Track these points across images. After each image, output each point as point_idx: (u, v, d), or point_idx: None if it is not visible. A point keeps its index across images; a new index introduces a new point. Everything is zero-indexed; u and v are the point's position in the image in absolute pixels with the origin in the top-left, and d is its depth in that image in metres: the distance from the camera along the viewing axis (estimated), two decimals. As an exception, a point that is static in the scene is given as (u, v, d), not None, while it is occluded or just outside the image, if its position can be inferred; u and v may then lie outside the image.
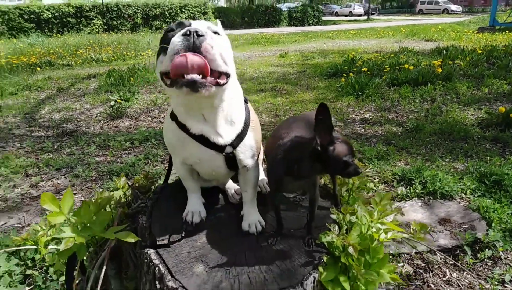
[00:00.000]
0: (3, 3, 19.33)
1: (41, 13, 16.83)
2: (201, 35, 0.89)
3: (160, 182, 1.46)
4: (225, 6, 32.80)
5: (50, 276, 1.51)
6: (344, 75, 5.86)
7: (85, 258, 1.19)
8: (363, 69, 5.91)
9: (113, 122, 4.39)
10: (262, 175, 1.33)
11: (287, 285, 0.91)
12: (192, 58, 0.86)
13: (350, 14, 43.62)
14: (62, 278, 1.51)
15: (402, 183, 2.53)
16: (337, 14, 44.63)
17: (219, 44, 0.93)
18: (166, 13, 18.78)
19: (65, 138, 3.83)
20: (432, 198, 2.35)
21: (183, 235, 1.07)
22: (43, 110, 5.08)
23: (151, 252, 1.01)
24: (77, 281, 1.14)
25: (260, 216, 1.16)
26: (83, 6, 17.59)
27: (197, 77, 0.87)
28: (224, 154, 1.06)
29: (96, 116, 4.69)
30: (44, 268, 1.56)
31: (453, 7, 41.32)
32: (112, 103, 4.82)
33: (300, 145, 1.01)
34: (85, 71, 8.10)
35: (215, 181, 1.29)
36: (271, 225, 1.16)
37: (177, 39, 0.90)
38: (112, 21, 18.15)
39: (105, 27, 17.94)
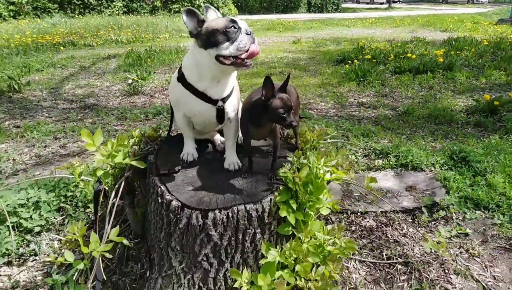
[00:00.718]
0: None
1: (65, -6, 17.32)
2: (252, 34, 1.37)
3: (164, 135, 1.85)
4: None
5: (78, 208, 1.92)
6: (350, 62, 6.12)
7: (107, 188, 1.58)
8: (366, 57, 6.16)
9: (130, 98, 4.81)
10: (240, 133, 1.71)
11: (250, 201, 1.29)
12: (258, 51, 1.37)
13: (372, 1, 42.93)
14: (87, 210, 1.92)
15: (380, 156, 2.86)
16: (358, 2, 43.97)
17: None
18: (185, -4, 19.05)
19: (87, 110, 4.26)
20: (404, 169, 2.68)
21: (180, 168, 1.46)
22: (67, 86, 5.53)
23: (155, 178, 1.40)
24: (103, 205, 1.54)
25: (238, 159, 1.54)
26: (104, -12, 18.00)
27: (250, 62, 1.37)
28: (217, 107, 1.45)
29: (115, 93, 5.11)
30: (74, 203, 1.98)
31: (479, -4, 40.21)
32: (130, 81, 5.24)
33: (256, 100, 1.41)
34: (105, 51, 8.53)
35: (206, 134, 1.68)
36: (246, 167, 1.54)
37: (245, 37, 1.34)
38: (132, 3, 18.54)
39: (125, 9, 18.36)
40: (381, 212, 2.33)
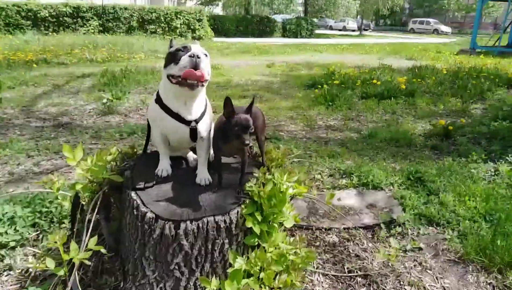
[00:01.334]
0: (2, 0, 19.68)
1: (39, 11, 17.20)
2: (199, 57, 1.51)
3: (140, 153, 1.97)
4: (221, 14, 33.54)
5: (53, 223, 1.98)
6: (319, 86, 6.43)
7: (84, 203, 1.67)
8: (335, 82, 6.49)
9: (104, 118, 4.86)
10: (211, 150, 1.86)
11: (219, 213, 1.42)
12: (196, 72, 1.49)
13: (344, 28, 44.78)
14: (62, 225, 1.99)
15: (344, 176, 3.06)
16: (331, 28, 45.74)
17: (207, 63, 1.57)
18: (162, 18, 19.30)
19: (60, 129, 4.28)
20: (365, 188, 2.88)
21: (154, 183, 1.58)
22: (40, 104, 5.52)
23: (131, 192, 1.52)
24: (79, 219, 1.63)
25: (209, 174, 1.68)
26: (80, 7, 18.01)
27: (194, 82, 1.50)
28: (190, 127, 1.59)
29: (89, 112, 5.15)
30: (49, 218, 2.03)
31: (443, 28, 42.79)
32: (105, 100, 5.30)
33: (223, 120, 1.58)
34: (80, 70, 8.53)
35: (180, 151, 1.82)
36: (216, 182, 1.68)
37: (186, 58, 1.50)
38: (108, 22, 18.60)
39: (101, 28, 18.38)
40: (344, 228, 2.49)
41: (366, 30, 44.68)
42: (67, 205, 1.66)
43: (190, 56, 1.49)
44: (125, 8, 18.92)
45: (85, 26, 18.07)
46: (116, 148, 1.76)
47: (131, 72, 7.61)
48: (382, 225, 2.48)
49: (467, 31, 45.93)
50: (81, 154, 1.40)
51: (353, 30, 43.65)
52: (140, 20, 19.07)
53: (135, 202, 1.45)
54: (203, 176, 1.67)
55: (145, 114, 5.07)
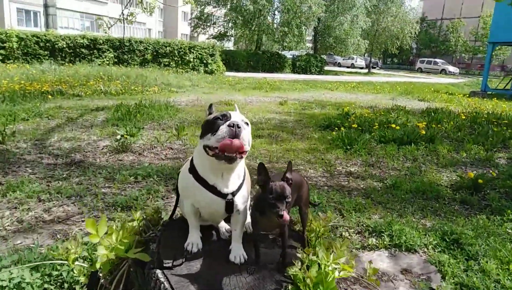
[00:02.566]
0: (21, 29, 20.31)
1: (56, 42, 17.65)
2: (239, 127, 1.36)
3: (165, 216, 1.80)
4: (232, 49, 34.30)
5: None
6: (336, 128, 6.31)
7: (101, 275, 1.49)
8: (353, 125, 6.36)
9: (118, 156, 4.74)
10: (249, 219, 1.68)
11: (258, 303, 1.23)
12: (234, 143, 1.32)
13: (352, 66, 45.51)
14: (74, 292, 1.80)
15: (373, 234, 2.85)
16: (339, 65, 46.50)
17: (248, 133, 1.41)
18: (176, 52, 19.69)
19: (73, 167, 4.15)
20: (397, 250, 2.67)
21: (184, 260, 1.40)
22: (53, 138, 5.43)
23: (158, 272, 1.34)
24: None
25: (244, 251, 1.49)
26: (97, 39, 18.48)
27: (233, 155, 1.34)
28: (226, 200, 1.43)
29: (102, 149, 5.04)
30: (59, 283, 1.85)
31: (451, 68, 43.29)
32: (118, 137, 5.20)
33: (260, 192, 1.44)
34: (94, 103, 8.55)
35: (211, 221, 1.64)
36: (252, 259, 1.49)
37: (224, 128, 1.36)
38: (123, 55, 19.00)
39: (116, 60, 18.75)
40: (378, 297, 2.27)
41: (374, 68, 45.34)
42: (83, 280, 1.48)
43: (229, 125, 1.35)
44: (140, 42, 19.38)
45: (100, 57, 18.45)
46: (140, 213, 1.60)
47: (145, 107, 7.58)
48: (421, 296, 2.25)
49: (474, 72, 46.43)
50: (105, 228, 1.25)
51: (361, 68, 44.31)
52: (154, 53, 19.46)
53: (162, 285, 1.27)
54: (238, 252, 1.48)
55: (159, 153, 4.95)
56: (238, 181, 1.48)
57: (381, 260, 2.57)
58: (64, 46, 17.86)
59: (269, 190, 1.35)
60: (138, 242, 1.44)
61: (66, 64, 16.90)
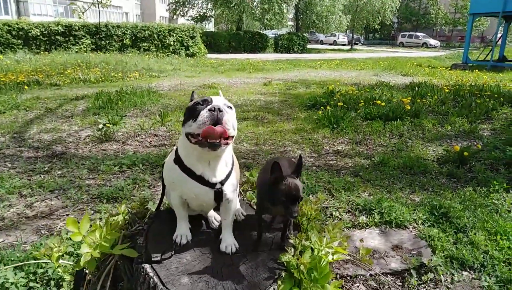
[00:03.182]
0: (-9, 18, 19.44)
1: (30, 30, 16.98)
2: (221, 111, 1.28)
3: (151, 207, 1.74)
4: (213, 30, 33.64)
5: (50, 288, 1.73)
6: (322, 107, 6.27)
7: (87, 271, 1.44)
8: (339, 104, 6.34)
9: (101, 145, 4.61)
10: (238, 206, 1.63)
11: (252, 293, 1.20)
12: (216, 129, 1.25)
13: (335, 43, 45.31)
14: (62, 290, 1.74)
15: (364, 212, 2.85)
16: (322, 43, 46.25)
17: (232, 117, 1.34)
18: (155, 35, 19.21)
19: (55, 160, 4.02)
20: (388, 227, 2.68)
21: (173, 253, 1.35)
22: (32, 130, 5.26)
23: (146, 266, 1.28)
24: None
25: (235, 240, 1.46)
26: (72, 25, 17.85)
27: (216, 141, 1.26)
28: (215, 189, 1.38)
29: (85, 139, 4.90)
30: (45, 281, 1.78)
31: (432, 41, 43.54)
32: (101, 126, 5.06)
33: (269, 180, 1.38)
34: (73, 92, 8.29)
35: (200, 211, 1.59)
36: (243, 247, 1.46)
37: (205, 113, 1.28)
38: (100, 41, 18.44)
39: (93, 46, 18.20)
40: (370, 275, 2.28)
41: (356, 44, 45.25)
42: (68, 278, 1.42)
43: (210, 110, 1.28)
44: (118, 26, 18.81)
45: (77, 44, 17.87)
46: (125, 206, 1.53)
47: (126, 94, 7.38)
48: (412, 271, 2.27)
49: (454, 44, 46.80)
50: (87, 225, 1.18)
51: (344, 44, 44.19)
52: (133, 38, 18.95)
53: (151, 280, 1.22)
54: (229, 242, 1.44)
55: (143, 140, 4.85)
56: (226, 169, 1.42)
57: (372, 238, 2.58)
58: (38, 34, 17.21)
59: (283, 191, 1.29)
60: (124, 237, 1.38)
61: (42, 52, 16.33)
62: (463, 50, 18.19)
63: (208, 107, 1.29)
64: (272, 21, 28.22)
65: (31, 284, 1.75)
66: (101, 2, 5.50)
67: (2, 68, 11.01)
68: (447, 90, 7.53)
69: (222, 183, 1.40)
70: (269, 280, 1.25)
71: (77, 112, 6.42)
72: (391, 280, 2.25)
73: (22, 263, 1.65)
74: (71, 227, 1.16)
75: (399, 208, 2.81)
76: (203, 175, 1.37)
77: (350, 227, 2.68)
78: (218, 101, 1.35)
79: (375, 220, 2.72)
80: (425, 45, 42.52)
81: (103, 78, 10.38)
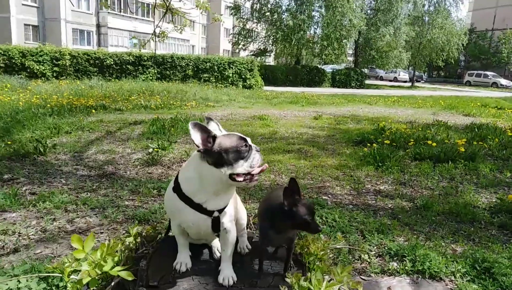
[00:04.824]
0: (75, 48, 21.80)
1: (105, 60, 18.76)
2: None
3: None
4: (272, 63, 34.60)
5: (69, 301, 1.84)
6: (369, 145, 6.10)
7: (95, 288, 1.51)
8: (385, 141, 6.12)
9: (148, 169, 4.87)
10: (245, 237, 1.64)
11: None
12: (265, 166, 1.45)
13: (395, 79, 44.22)
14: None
15: (395, 258, 2.69)
16: (381, 79, 45.38)
17: None
18: (215, 67, 20.20)
19: (103, 179, 4.31)
20: (420, 276, 2.49)
21: (171, 279, 1.38)
22: (91, 151, 5.70)
23: (143, 290, 1.33)
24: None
25: (233, 272, 1.46)
26: (141, 56, 19.42)
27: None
28: (212, 217, 1.41)
29: (134, 161, 5.20)
30: (65, 294, 1.90)
31: (503, 81, 40.84)
32: (150, 150, 5.36)
33: (277, 207, 1.41)
34: (133, 116, 8.90)
35: (202, 240, 1.62)
36: (242, 279, 1.45)
37: (257, 155, 1.43)
38: (165, 70, 19.79)
39: (159, 75, 19.55)
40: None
41: (419, 81, 43.77)
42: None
43: (258, 150, 1.44)
44: (182, 58, 20.11)
45: (144, 73, 19.33)
46: (137, 229, 1.61)
47: (180, 121, 7.77)
48: (443, 330, 2.07)
49: (529, 84, 43.40)
50: (91, 244, 1.26)
51: (405, 81, 42.94)
52: (195, 68, 20.08)
53: (145, 304, 1.26)
54: (227, 274, 1.45)
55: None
56: (226, 199, 1.46)
57: (401, 287, 2.41)
58: (112, 63, 18.92)
59: (303, 209, 1.37)
60: (128, 258, 1.44)
61: (113, 80, 17.85)
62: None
63: (256, 148, 1.44)
64: (330, 56, 28.40)
65: (52, 295, 1.87)
66: (159, 36, 5.98)
67: (77, 92, 12.18)
68: (510, 133, 6.97)
69: (219, 211, 1.43)
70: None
71: (133, 136, 6.86)
72: (417, 336, 2.07)
73: (47, 275, 1.78)
74: (76, 244, 1.24)
75: (435, 257, 2.61)
76: (201, 203, 1.41)
77: (378, 273, 2.54)
78: (250, 140, 1.47)
79: (407, 267, 2.54)
80: (494, 85, 39.91)
81: (162, 105, 11.04)
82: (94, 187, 3.98)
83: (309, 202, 1.41)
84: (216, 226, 1.44)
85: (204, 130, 1.40)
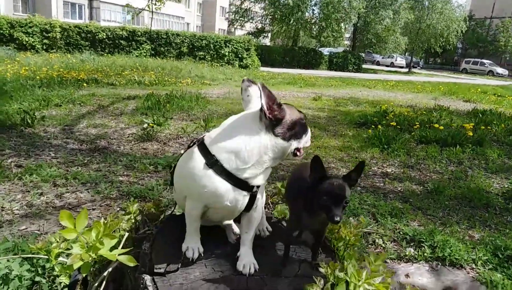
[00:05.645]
0: (66, 21, 21.03)
1: (97, 33, 18.10)
2: None
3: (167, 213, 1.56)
4: (269, 44, 33.97)
5: (56, 286, 1.61)
6: (373, 126, 5.89)
7: (89, 274, 1.28)
8: (391, 123, 5.92)
9: (142, 144, 4.61)
10: (264, 219, 1.41)
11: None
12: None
13: (392, 65, 43.86)
14: None
15: (411, 243, 2.50)
16: (378, 64, 44.97)
17: None
18: (211, 45, 19.67)
19: (95, 154, 4.05)
20: (440, 264, 2.31)
21: (180, 266, 1.15)
22: (82, 124, 5.41)
23: (147, 278, 1.10)
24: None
25: (254, 259, 1.23)
26: (135, 31, 18.79)
27: None
28: (251, 193, 1.20)
29: (128, 136, 4.93)
30: (52, 277, 1.67)
31: (499, 69, 40.73)
32: (145, 126, 5.08)
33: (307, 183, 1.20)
34: (126, 92, 8.56)
35: (219, 221, 1.39)
36: (263, 268, 1.23)
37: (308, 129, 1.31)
38: (160, 47, 19.20)
39: (153, 52, 18.98)
40: (415, 319, 1.94)
41: (415, 67, 43.50)
42: (64, 279, 1.28)
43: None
44: (177, 34, 19.51)
45: (138, 49, 18.73)
46: (137, 206, 1.37)
47: (175, 98, 7.46)
48: (468, 323, 1.90)
49: (525, 74, 43.40)
50: (85, 222, 1.03)
51: (401, 67, 42.61)
52: (190, 46, 19.53)
53: (149, 295, 1.04)
54: (247, 260, 1.21)
55: (185, 143, 4.78)
56: (268, 173, 1.26)
57: (420, 275, 2.23)
58: (104, 37, 18.28)
59: (324, 188, 1.12)
60: (128, 240, 1.21)
61: (105, 54, 17.27)
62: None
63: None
64: (328, 38, 27.92)
65: (37, 278, 1.64)
66: (155, 4, 5.60)
67: (67, 66, 11.71)
68: (517, 119, 6.81)
69: (258, 186, 1.22)
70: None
71: (126, 111, 6.56)
72: (441, 329, 1.90)
73: (32, 256, 1.54)
74: (65, 222, 1.00)
75: (454, 243, 2.43)
76: (247, 180, 1.18)
77: (394, 259, 2.35)
78: None
79: (425, 254, 2.36)
80: (491, 73, 39.79)
81: (157, 81, 10.67)
82: (86, 161, 3.72)
83: (340, 183, 1.15)
84: (251, 203, 1.22)
85: (271, 95, 1.15)
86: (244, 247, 1.24)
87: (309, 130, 1.29)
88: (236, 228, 1.40)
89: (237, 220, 1.36)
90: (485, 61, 42.58)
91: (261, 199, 1.28)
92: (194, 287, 1.09)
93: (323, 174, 1.16)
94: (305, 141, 1.28)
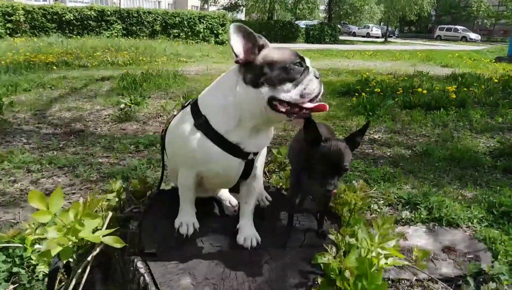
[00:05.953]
0: (29, 3, 19.89)
1: (64, 15, 17.20)
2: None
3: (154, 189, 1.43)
4: (244, 19, 33.22)
5: (37, 276, 1.47)
6: (356, 94, 5.82)
7: (72, 260, 1.15)
8: (376, 90, 5.86)
9: (121, 125, 4.40)
10: (262, 189, 1.30)
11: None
12: (326, 108, 1.03)
13: (368, 35, 43.77)
14: (46, 280, 1.47)
15: (407, 207, 2.46)
16: (354, 35, 44.78)
17: None
18: (185, 22, 19.04)
19: (71, 137, 3.83)
20: (437, 224, 2.27)
21: (173, 244, 1.03)
22: (54, 108, 5.13)
23: (137, 260, 0.97)
24: (62, 284, 1.10)
25: (255, 230, 1.12)
26: (104, 10, 17.95)
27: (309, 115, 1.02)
28: (246, 160, 1.07)
29: (105, 118, 4.71)
30: (31, 267, 1.53)
31: (472, 35, 41.25)
32: (122, 106, 4.85)
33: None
34: (99, 73, 8.19)
35: (211, 192, 1.26)
36: (266, 241, 1.12)
37: (316, 82, 1.01)
38: (131, 26, 18.45)
39: (124, 32, 18.23)
40: (417, 280, 1.90)
41: (391, 36, 43.57)
42: (43, 267, 1.15)
43: (317, 77, 1.01)
44: (149, 12, 18.78)
45: (109, 30, 17.96)
46: (120, 183, 1.23)
47: (152, 76, 7.18)
48: (469, 279, 1.87)
49: (496, 38, 44.17)
50: (60, 203, 0.89)
51: (377, 37, 42.60)
52: (163, 24, 18.85)
53: (142, 278, 0.91)
54: (248, 233, 1.10)
55: (165, 121, 4.59)
56: (267, 139, 1.11)
57: (418, 236, 2.19)
58: (72, 18, 17.40)
59: (319, 155, 0.97)
60: (113, 220, 1.08)
61: (74, 36, 16.48)
62: (506, 45, 16.98)
63: (314, 73, 1.02)
64: (304, 10, 27.50)
65: (14, 269, 1.49)
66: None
67: (34, 49, 11.11)
68: (495, 80, 6.87)
69: (255, 153, 1.08)
70: (301, 288, 0.91)
71: (101, 92, 6.27)
72: (442, 287, 1.86)
73: (5, 245, 1.39)
74: (36, 203, 0.86)
75: (450, 204, 2.40)
76: (239, 144, 1.03)
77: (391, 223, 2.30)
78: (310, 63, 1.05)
79: (422, 216, 2.32)
80: (464, 39, 40.29)
81: (131, 61, 10.28)
82: (61, 145, 3.51)
83: (339, 146, 0.99)
84: (248, 171, 1.08)
85: (250, 37, 1.00)
86: (244, 219, 1.12)
87: (308, 79, 1.00)
88: (233, 199, 1.28)
89: (233, 190, 1.23)
90: (458, 27, 43.00)
91: (259, 168, 1.14)
92: (191, 266, 0.97)
93: (317, 136, 1.02)
94: (295, 93, 0.98)
